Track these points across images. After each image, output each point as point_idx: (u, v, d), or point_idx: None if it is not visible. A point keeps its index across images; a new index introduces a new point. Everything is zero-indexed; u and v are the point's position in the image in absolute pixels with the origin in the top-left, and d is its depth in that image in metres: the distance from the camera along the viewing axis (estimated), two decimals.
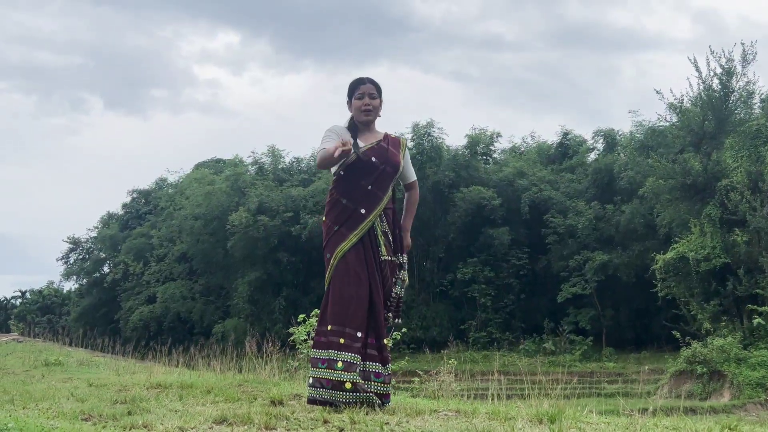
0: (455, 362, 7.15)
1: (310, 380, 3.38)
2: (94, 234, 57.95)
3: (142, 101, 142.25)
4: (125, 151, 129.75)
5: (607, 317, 31.23)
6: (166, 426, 2.65)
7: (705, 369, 18.00)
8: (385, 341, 3.52)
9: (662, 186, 23.37)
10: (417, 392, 6.23)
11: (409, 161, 3.94)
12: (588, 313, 31.33)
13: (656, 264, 22.39)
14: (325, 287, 3.58)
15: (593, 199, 33.34)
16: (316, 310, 6.68)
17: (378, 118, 3.84)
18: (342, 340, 3.36)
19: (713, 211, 21.01)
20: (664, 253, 22.82)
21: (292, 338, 6.08)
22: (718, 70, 22.07)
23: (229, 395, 3.78)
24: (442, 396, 4.76)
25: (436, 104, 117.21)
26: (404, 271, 3.70)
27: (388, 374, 3.45)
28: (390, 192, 3.67)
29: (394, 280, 3.60)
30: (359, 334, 3.37)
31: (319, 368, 3.35)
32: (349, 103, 3.83)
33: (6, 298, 69.08)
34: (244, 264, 38.58)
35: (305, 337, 5.96)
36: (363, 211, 3.55)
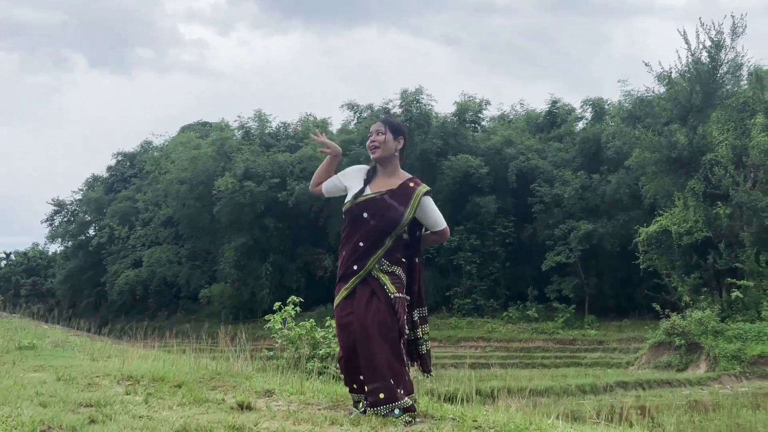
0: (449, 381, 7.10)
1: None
2: (78, 196, 57.52)
3: (127, 60, 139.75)
4: (110, 112, 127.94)
5: (590, 285, 31.59)
6: None
7: (683, 341, 18.32)
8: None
9: (648, 158, 23.41)
10: None
11: (432, 210, 3.66)
12: (572, 281, 31.66)
13: (639, 237, 22.56)
14: None
15: (580, 169, 33.37)
16: (293, 297, 6.70)
17: (394, 155, 3.62)
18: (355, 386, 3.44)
19: (697, 185, 21.12)
20: (647, 226, 22.98)
21: (267, 326, 6.05)
22: (708, 43, 21.96)
23: (197, 396, 3.75)
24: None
25: (425, 69, 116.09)
26: (426, 324, 3.67)
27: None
28: (390, 242, 3.45)
29: (414, 327, 3.54)
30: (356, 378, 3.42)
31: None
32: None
33: None
34: (230, 229, 38.49)
35: (281, 325, 5.94)
36: (355, 267, 3.45)
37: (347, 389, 3.50)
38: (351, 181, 3.62)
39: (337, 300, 3.48)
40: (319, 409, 3.60)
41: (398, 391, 3.23)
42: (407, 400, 3.24)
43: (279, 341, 5.86)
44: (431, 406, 3.85)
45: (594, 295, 31.67)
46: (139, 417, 3.24)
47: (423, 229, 3.66)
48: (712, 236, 20.69)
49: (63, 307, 57.02)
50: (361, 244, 3.43)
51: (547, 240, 32.50)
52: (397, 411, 3.18)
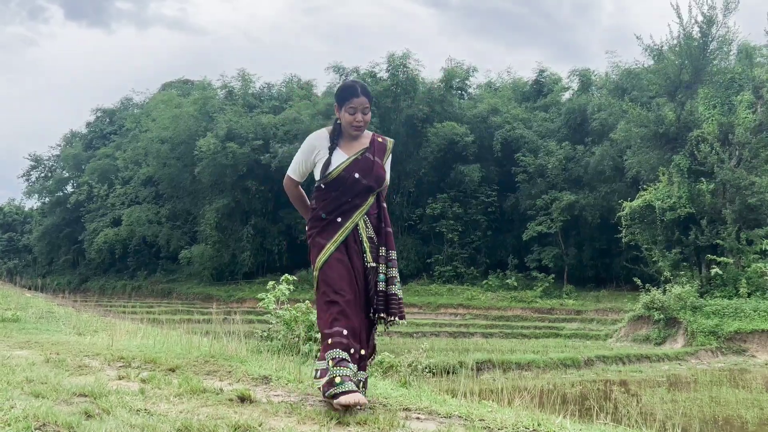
0: (428, 346, 7.07)
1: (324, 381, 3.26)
2: (56, 152, 56.53)
3: (106, 12, 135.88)
4: (88, 66, 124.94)
5: (569, 256, 31.90)
6: None
7: (662, 315, 18.59)
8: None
9: (634, 133, 23.42)
10: (388, 367, 6.19)
11: (389, 164, 3.68)
12: (552, 251, 31.93)
13: (623, 211, 22.68)
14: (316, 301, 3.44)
15: (564, 140, 33.37)
16: (287, 275, 6.57)
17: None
18: (344, 341, 3.26)
19: (682, 161, 21.20)
20: (630, 200, 23.11)
21: (261, 303, 5.94)
22: (700, 18, 21.78)
23: (194, 386, 3.64)
24: (414, 381, 4.73)
25: (408, 31, 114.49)
26: (395, 268, 3.55)
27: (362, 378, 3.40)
28: (372, 199, 3.48)
29: (381, 280, 3.46)
30: (353, 349, 3.28)
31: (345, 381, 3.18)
32: (338, 109, 3.55)
33: None
34: (212, 190, 38.12)
35: (274, 305, 5.84)
36: (339, 219, 3.41)
37: (337, 362, 3.23)
38: (319, 153, 3.53)
39: (323, 258, 3.35)
40: (320, 400, 3.52)
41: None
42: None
43: (273, 322, 5.77)
44: (434, 399, 3.79)
45: (573, 265, 32.02)
46: (137, 411, 3.12)
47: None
48: (694, 212, 20.87)
49: (40, 263, 56.53)
50: (350, 200, 3.43)
51: (529, 210, 32.66)
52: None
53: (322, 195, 3.49)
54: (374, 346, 3.61)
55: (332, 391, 3.13)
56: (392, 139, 3.72)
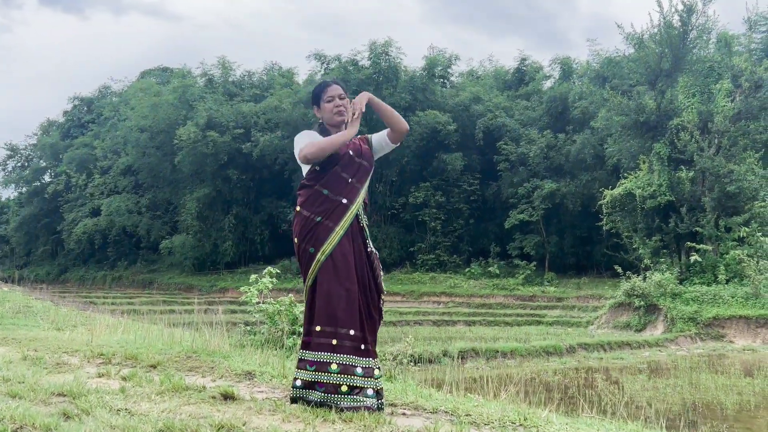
0: (413, 339, 7.04)
1: (297, 382, 3.23)
2: (33, 141, 55.61)
3: None
4: (64, 53, 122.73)
5: (551, 243, 32.09)
6: None
7: (642, 302, 18.76)
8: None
9: (615, 121, 23.54)
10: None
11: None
12: (533, 239, 32.10)
13: (604, 199, 22.83)
14: (308, 284, 3.31)
15: (546, 128, 33.45)
16: (269, 268, 6.50)
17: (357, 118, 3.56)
18: (334, 341, 3.18)
19: (662, 149, 21.34)
20: (611, 188, 23.26)
21: (243, 298, 5.86)
22: (680, 7, 21.88)
23: (176, 383, 3.58)
24: (399, 374, 4.70)
25: (393, 19, 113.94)
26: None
27: (379, 368, 3.35)
28: (367, 186, 3.53)
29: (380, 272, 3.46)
30: (353, 332, 3.20)
31: (308, 370, 3.19)
32: (317, 108, 3.62)
33: None
34: (192, 180, 37.75)
35: (257, 299, 5.77)
36: (345, 201, 3.37)
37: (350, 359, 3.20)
38: (315, 138, 3.55)
39: (335, 239, 3.29)
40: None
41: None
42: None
43: (256, 316, 5.70)
44: (420, 393, 3.77)
45: (554, 252, 32.22)
46: (117, 411, 3.06)
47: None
48: (674, 200, 21.05)
49: (18, 254, 55.76)
50: (350, 180, 3.43)
51: (511, 198, 32.77)
52: (377, 371, 3.30)
53: (319, 175, 3.45)
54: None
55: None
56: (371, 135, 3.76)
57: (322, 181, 3.41)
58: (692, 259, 20.13)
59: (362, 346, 3.22)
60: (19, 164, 55.49)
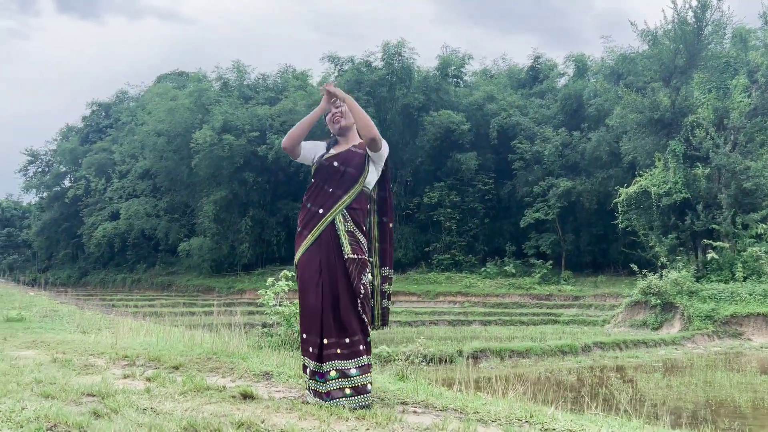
0: (425, 339, 7.18)
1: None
2: (53, 147, 56.45)
3: (97, 4, 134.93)
4: (81, 59, 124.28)
5: (567, 242, 32.03)
6: None
7: (658, 300, 18.72)
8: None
9: (629, 119, 23.47)
10: (386, 359, 6.31)
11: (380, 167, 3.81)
12: (549, 237, 32.06)
13: (619, 197, 22.78)
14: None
15: (561, 126, 33.39)
16: (285, 272, 6.67)
17: (353, 125, 3.79)
18: (311, 348, 3.49)
19: (678, 147, 21.26)
20: (626, 186, 23.21)
21: (261, 300, 6.04)
22: (694, 2, 21.79)
23: (197, 384, 3.76)
24: (411, 373, 4.84)
25: (405, 19, 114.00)
26: (389, 284, 3.84)
27: (363, 366, 3.48)
28: (354, 193, 3.63)
29: (367, 279, 3.59)
30: (331, 340, 3.45)
31: (316, 380, 3.51)
32: (326, 122, 3.89)
33: None
34: (209, 183, 38.13)
35: (273, 301, 5.94)
36: (321, 210, 3.61)
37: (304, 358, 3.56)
38: (317, 149, 3.82)
39: (304, 246, 3.58)
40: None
41: (360, 347, 3.46)
42: (365, 359, 3.47)
43: (273, 318, 5.87)
44: (431, 392, 3.91)
45: (571, 251, 32.16)
46: (143, 410, 3.24)
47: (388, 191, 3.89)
48: (690, 198, 20.97)
49: (39, 258, 56.67)
50: (330, 190, 3.63)
51: (526, 197, 32.75)
52: (354, 371, 3.41)
53: (310, 187, 3.74)
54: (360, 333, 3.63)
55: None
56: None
57: (309, 195, 3.71)
58: (709, 256, 20.05)
59: (327, 352, 3.42)
60: (39, 169, 56.37)
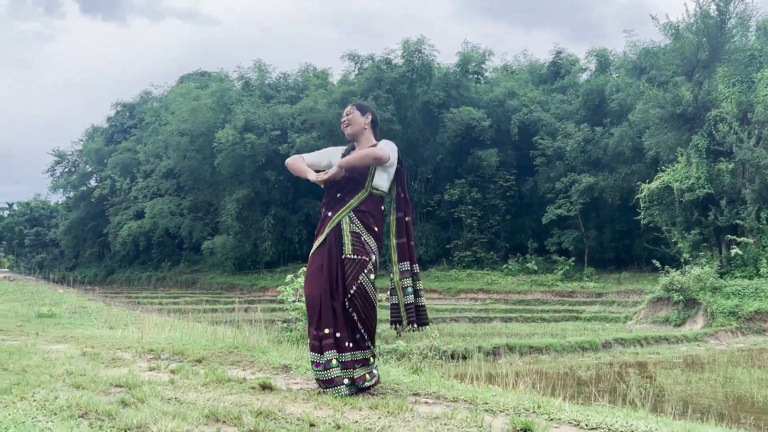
0: (438, 334, 7.29)
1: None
2: (79, 147, 57.46)
3: (119, 6, 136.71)
4: (105, 60, 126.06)
5: (590, 238, 31.83)
6: (160, 428, 2.78)
7: (681, 297, 18.58)
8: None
9: (651, 114, 23.28)
10: (401, 354, 6.44)
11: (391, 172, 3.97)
12: (572, 234, 31.89)
13: (641, 193, 22.63)
14: None
15: (583, 121, 33.18)
16: (304, 268, 6.81)
17: (363, 129, 4.00)
18: (312, 340, 3.69)
19: (701, 142, 21.06)
20: (649, 181, 23.04)
21: (280, 297, 6.20)
22: None
23: (219, 376, 3.92)
24: (425, 367, 4.96)
25: (424, 16, 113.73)
26: (411, 279, 3.90)
27: (357, 360, 3.68)
28: (361, 196, 3.81)
29: (366, 279, 3.71)
30: (327, 331, 3.64)
31: (314, 370, 3.67)
32: None
33: None
34: (231, 182, 38.56)
35: (293, 297, 6.10)
36: (330, 213, 3.84)
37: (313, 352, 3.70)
38: (333, 157, 4.03)
39: (314, 247, 3.84)
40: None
41: (347, 343, 3.65)
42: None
43: (292, 314, 6.03)
44: (442, 384, 4.03)
45: (593, 247, 31.95)
46: (168, 399, 3.41)
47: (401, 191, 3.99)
48: (713, 193, 20.76)
49: (67, 257, 57.79)
50: (339, 195, 3.84)
51: (548, 193, 32.60)
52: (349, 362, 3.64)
53: (325, 193, 3.94)
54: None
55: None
56: (389, 141, 4.01)
57: (323, 200, 3.95)
58: (733, 252, 19.85)
59: (327, 341, 3.63)
60: (66, 170, 57.44)
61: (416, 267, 3.94)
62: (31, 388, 3.52)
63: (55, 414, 3.04)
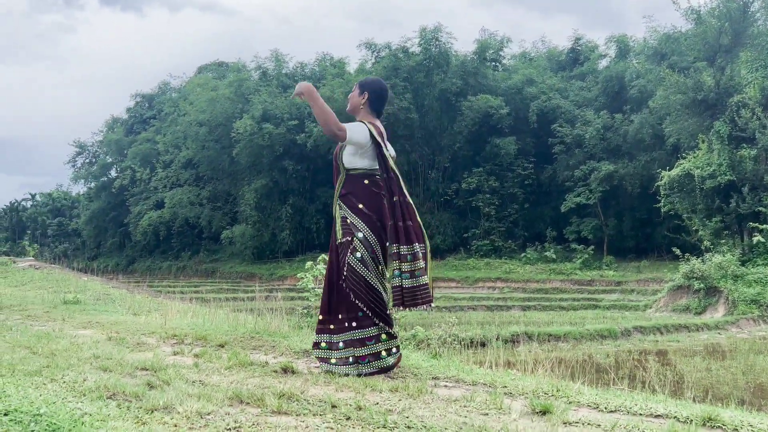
0: (456, 320, 7.32)
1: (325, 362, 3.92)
2: (99, 138, 58.07)
3: None
4: (125, 51, 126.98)
5: (609, 226, 31.60)
6: (186, 409, 2.85)
7: (702, 285, 18.43)
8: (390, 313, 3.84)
9: (672, 101, 23.00)
10: (420, 340, 6.49)
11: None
12: (591, 222, 31.68)
13: (661, 180, 22.40)
14: None
15: (602, 108, 32.86)
16: (323, 256, 6.87)
17: (359, 108, 4.01)
18: (332, 326, 3.86)
19: (722, 128, 20.78)
20: (669, 169, 22.80)
21: (300, 284, 6.28)
22: None
23: (242, 359, 4.00)
24: (444, 353, 5.01)
25: (442, 3, 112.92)
26: (399, 261, 3.74)
27: (355, 340, 3.75)
28: (341, 180, 3.91)
29: (353, 258, 3.74)
30: (322, 317, 3.90)
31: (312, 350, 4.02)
32: None
33: (17, 201, 70.18)
34: (250, 171, 38.79)
35: (312, 284, 6.17)
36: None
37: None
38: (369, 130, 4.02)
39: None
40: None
41: (345, 324, 3.76)
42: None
43: (312, 300, 6.10)
44: (462, 369, 4.07)
45: (613, 235, 31.71)
46: (192, 382, 3.48)
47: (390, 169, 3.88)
48: (735, 180, 20.51)
49: (89, 246, 58.57)
50: (334, 185, 3.97)
51: (567, 181, 32.37)
52: (341, 344, 3.79)
53: None
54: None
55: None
56: (361, 122, 3.92)
57: None
58: (755, 239, 19.62)
59: (335, 325, 3.81)
60: (87, 160, 58.12)
61: (411, 248, 3.72)
62: (61, 370, 3.61)
63: (84, 395, 3.12)
